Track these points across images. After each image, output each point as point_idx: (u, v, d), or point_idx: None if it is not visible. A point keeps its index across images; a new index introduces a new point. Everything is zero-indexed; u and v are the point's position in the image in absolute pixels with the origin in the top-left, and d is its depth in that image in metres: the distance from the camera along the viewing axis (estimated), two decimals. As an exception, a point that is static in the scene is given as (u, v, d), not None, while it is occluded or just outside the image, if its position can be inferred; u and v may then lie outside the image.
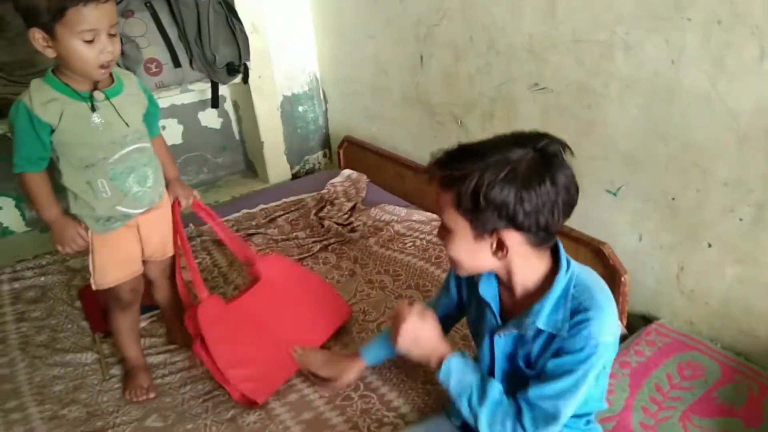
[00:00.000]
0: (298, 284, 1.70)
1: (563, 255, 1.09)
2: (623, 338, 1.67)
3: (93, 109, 1.34)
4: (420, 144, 2.39)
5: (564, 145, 1.01)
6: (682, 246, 1.58)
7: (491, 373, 1.17)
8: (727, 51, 1.33)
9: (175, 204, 1.60)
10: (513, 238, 1.02)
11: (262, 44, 2.59)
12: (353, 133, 2.77)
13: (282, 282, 1.67)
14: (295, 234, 2.27)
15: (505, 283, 1.13)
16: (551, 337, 1.07)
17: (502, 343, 1.13)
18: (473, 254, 1.06)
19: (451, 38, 2.05)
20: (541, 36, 1.73)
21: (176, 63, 2.36)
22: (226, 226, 1.76)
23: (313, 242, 2.19)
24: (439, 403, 1.42)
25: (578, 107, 1.69)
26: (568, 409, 1.06)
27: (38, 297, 2.01)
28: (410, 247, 2.05)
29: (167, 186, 1.58)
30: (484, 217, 1.00)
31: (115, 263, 1.49)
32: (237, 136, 2.97)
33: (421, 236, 2.10)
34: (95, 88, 1.36)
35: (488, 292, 1.15)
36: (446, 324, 1.35)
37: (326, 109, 3.00)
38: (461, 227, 1.04)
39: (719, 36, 1.33)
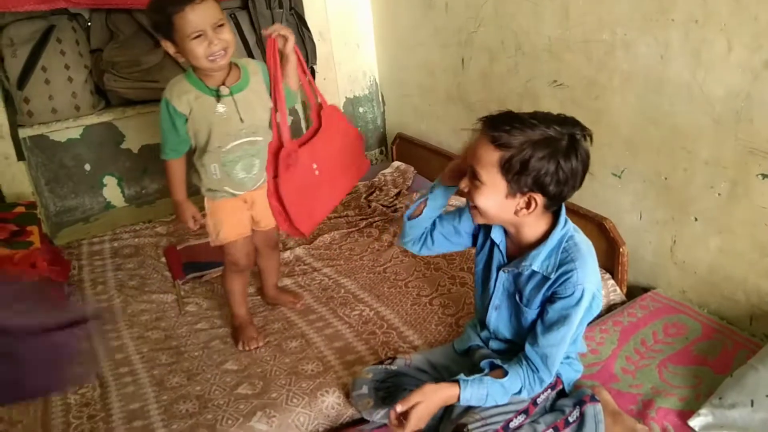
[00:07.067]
0: (344, 135, 1.80)
1: (563, 215, 1.32)
2: (621, 304, 1.87)
3: (218, 100, 1.55)
4: (461, 138, 2.67)
5: (590, 135, 1.23)
6: (674, 221, 1.78)
7: (488, 302, 1.41)
8: (702, 45, 1.54)
9: (271, 41, 1.54)
10: (538, 200, 1.25)
11: (327, 50, 2.96)
12: (405, 131, 3.08)
13: (335, 130, 1.77)
14: (346, 213, 2.59)
15: (511, 236, 1.37)
16: (542, 280, 1.31)
17: (503, 278, 1.38)
18: (500, 208, 1.26)
19: (486, 43, 2.33)
20: (558, 38, 1.98)
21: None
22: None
23: (360, 219, 2.51)
24: (448, 339, 1.69)
25: (588, 99, 1.93)
26: (564, 349, 1.31)
27: (132, 253, 2.43)
28: (444, 225, 2.34)
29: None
30: (523, 180, 1.20)
31: (225, 224, 1.70)
32: (304, 132, 3.33)
33: (455, 217, 2.38)
34: (223, 83, 1.55)
35: (498, 236, 1.39)
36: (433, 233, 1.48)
37: (384, 111, 3.33)
38: (498, 184, 1.22)
39: (696, 33, 1.55)
